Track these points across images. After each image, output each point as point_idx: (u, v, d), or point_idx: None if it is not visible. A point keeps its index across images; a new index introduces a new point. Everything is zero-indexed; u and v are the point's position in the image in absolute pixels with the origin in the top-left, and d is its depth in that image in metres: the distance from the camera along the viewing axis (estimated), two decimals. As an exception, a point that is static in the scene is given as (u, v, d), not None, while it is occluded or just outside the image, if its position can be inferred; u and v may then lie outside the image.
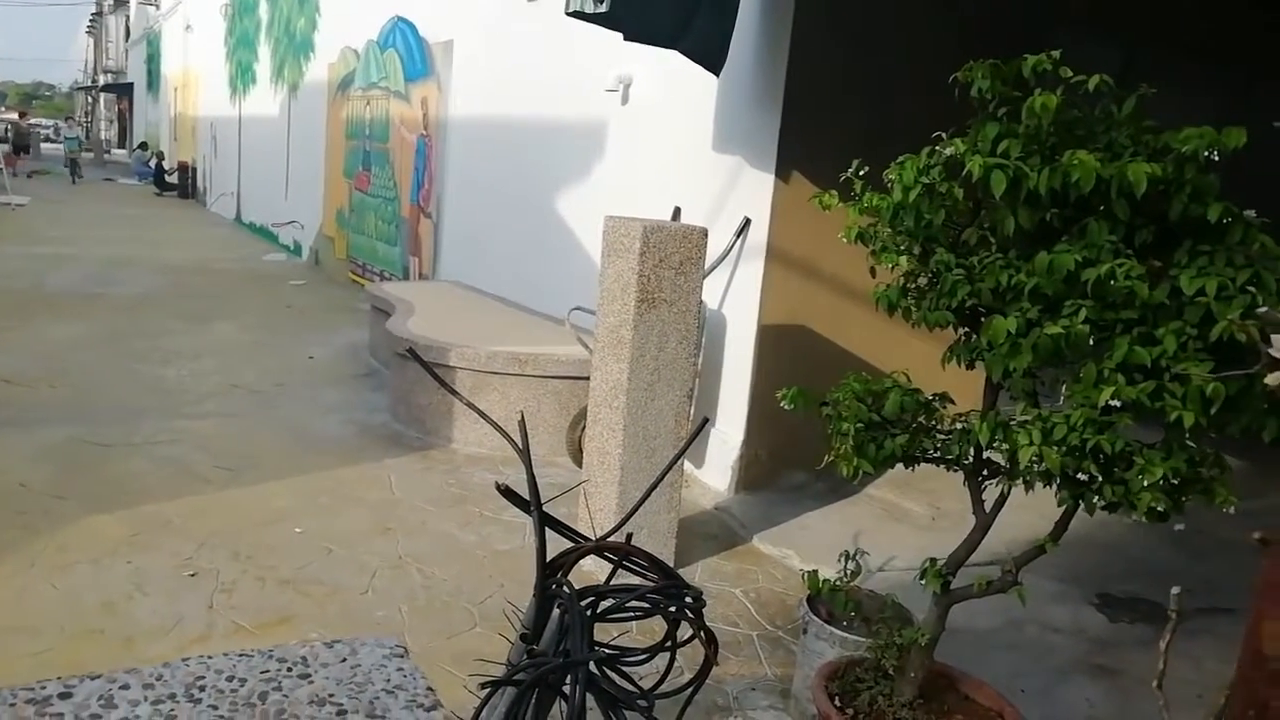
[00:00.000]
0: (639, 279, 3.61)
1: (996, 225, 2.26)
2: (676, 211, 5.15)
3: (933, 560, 2.49)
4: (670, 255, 3.65)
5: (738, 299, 4.86)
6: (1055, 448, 2.04)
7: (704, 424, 2.51)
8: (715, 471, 4.92)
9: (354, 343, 7.76)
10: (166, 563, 3.64)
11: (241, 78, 16.27)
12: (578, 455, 4.92)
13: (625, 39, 4.27)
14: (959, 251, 2.37)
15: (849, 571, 2.66)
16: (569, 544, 2.33)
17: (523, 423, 2.31)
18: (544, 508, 2.13)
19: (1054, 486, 2.17)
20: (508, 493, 2.34)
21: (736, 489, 4.80)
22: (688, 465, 5.08)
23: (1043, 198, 2.16)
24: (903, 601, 2.86)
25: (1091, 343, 2.08)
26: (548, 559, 2.29)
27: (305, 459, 4.93)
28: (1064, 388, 2.15)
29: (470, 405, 2.36)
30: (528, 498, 2.21)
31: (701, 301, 4.75)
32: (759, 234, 4.72)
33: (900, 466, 2.50)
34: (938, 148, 2.27)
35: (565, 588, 2.17)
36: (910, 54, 4.59)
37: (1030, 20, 5.03)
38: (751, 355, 4.75)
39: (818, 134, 4.49)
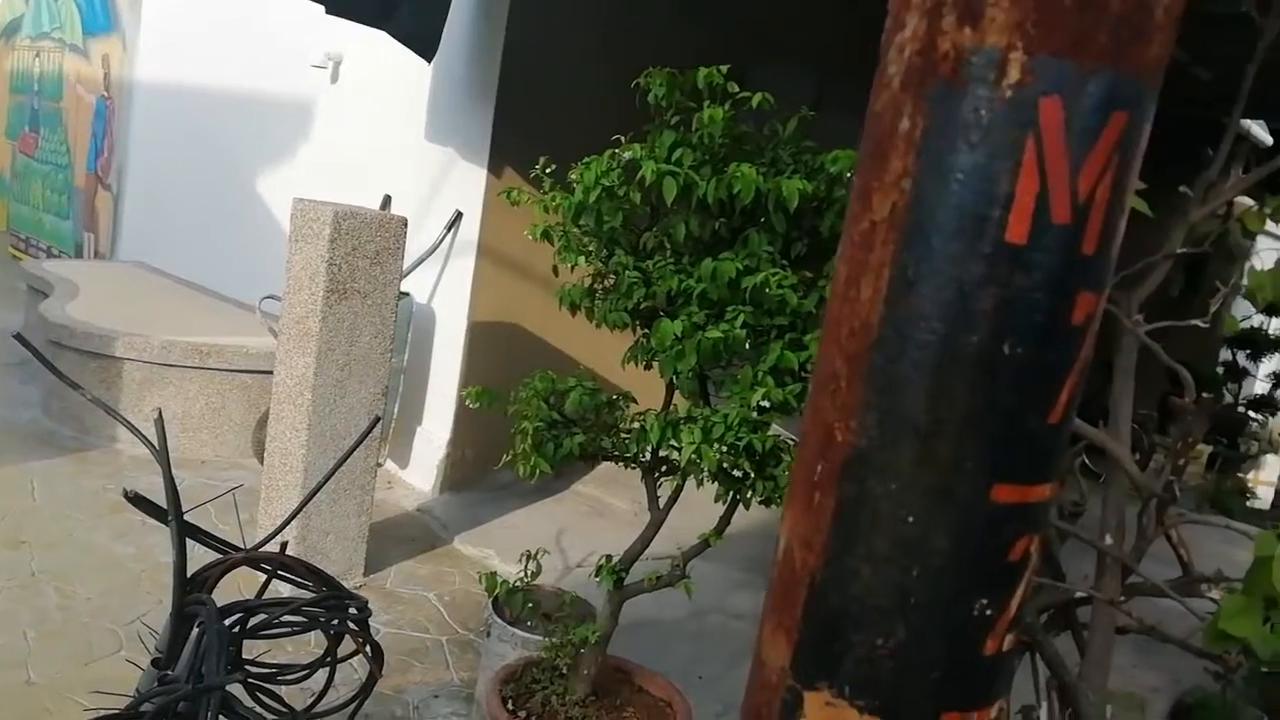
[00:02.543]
0: (329, 267, 3.38)
1: (671, 231, 2.33)
2: (386, 200, 4.92)
3: (608, 557, 2.52)
4: (365, 244, 3.46)
5: (448, 294, 4.73)
6: (713, 446, 2.13)
7: (374, 424, 2.37)
8: (420, 472, 4.75)
9: (3, 327, 6.69)
10: None
11: (-128, 6, 13.57)
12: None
13: (327, 13, 4.00)
14: (638, 255, 2.42)
15: (529, 572, 2.64)
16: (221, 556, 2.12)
17: (160, 420, 2.07)
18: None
19: (714, 482, 2.27)
20: (138, 500, 2.08)
21: (441, 489, 4.67)
22: (391, 466, 4.87)
23: (711, 206, 2.25)
24: (595, 597, 2.90)
25: (749, 346, 2.20)
26: (192, 573, 2.07)
27: (-80, 463, 4.15)
28: (724, 388, 2.26)
29: (96, 400, 2.07)
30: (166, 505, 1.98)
31: (406, 295, 4.58)
32: (471, 228, 4.61)
33: (611, 464, 2.53)
34: (617, 151, 2.30)
35: (205, 604, 1.97)
36: (631, 59, 4.69)
37: (742, 45, 5.33)
38: (461, 352, 4.64)
39: (534, 129, 4.47)
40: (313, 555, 3.53)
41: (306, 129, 5.59)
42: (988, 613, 0.57)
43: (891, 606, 0.57)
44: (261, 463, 4.56)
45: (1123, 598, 1.59)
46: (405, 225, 3.58)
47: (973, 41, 0.52)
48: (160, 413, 2.09)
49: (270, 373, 4.75)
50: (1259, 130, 8.10)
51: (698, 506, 2.62)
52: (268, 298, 4.85)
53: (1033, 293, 0.52)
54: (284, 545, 2.19)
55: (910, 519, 0.56)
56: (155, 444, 2.02)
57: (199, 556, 2.04)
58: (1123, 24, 0.51)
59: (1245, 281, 2.00)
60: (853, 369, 0.57)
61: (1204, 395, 1.70)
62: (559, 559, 4.01)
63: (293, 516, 2.31)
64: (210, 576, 2.09)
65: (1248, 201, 2.45)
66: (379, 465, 4.43)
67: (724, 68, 2.24)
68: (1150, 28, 0.52)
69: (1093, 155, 0.51)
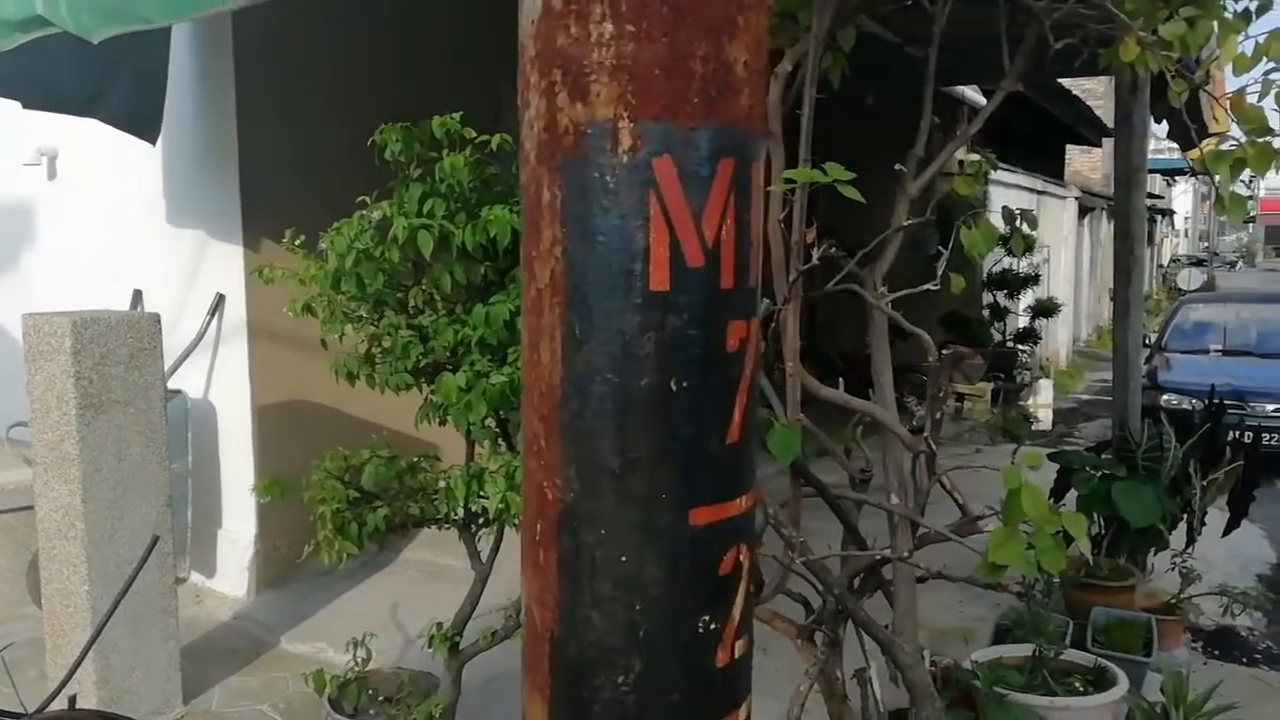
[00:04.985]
0: (77, 382, 3.09)
1: (438, 283, 2.30)
2: (137, 295, 4.56)
3: (439, 625, 2.45)
4: (115, 350, 3.18)
5: (225, 383, 4.43)
6: (519, 490, 2.11)
7: (153, 544, 2.19)
8: (230, 577, 4.42)
9: None
10: None
11: None
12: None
13: (25, 107, 3.67)
14: (410, 312, 2.37)
15: (359, 660, 2.51)
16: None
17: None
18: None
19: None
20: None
21: (258, 590, 4.36)
22: (197, 578, 4.50)
23: (473, 252, 2.24)
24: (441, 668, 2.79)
25: (536, 384, 2.20)
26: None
27: None
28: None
29: None
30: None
31: (177, 393, 4.26)
32: (238, 309, 4.35)
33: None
34: (364, 212, 2.24)
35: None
36: (383, 111, 4.54)
37: (496, 82, 5.32)
38: (251, 442, 4.35)
39: (289, 196, 4.25)
40: (120, 697, 3.20)
41: (29, 233, 5.09)
42: (712, 626, 0.61)
43: (624, 644, 0.59)
44: (42, 608, 4.08)
45: (908, 552, 1.71)
46: (158, 322, 3.33)
47: (585, 115, 0.56)
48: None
49: (33, 508, 4.27)
50: (973, 94, 8.99)
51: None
52: (16, 425, 4.35)
53: (686, 331, 0.55)
54: (73, 699, 1.98)
55: (624, 558, 0.59)
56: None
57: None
58: (708, 84, 0.56)
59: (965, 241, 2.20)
60: (548, 428, 0.60)
61: (944, 350, 1.87)
62: (398, 635, 3.84)
63: (74, 669, 2.09)
64: (-17, 758, 1.86)
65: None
66: (180, 581, 4.09)
67: (457, 115, 2.23)
68: (735, 83, 0.57)
69: (711, 202, 0.56)
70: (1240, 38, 2.19)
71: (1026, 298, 10.30)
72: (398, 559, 4.79)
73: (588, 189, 0.57)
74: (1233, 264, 41.78)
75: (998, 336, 9.66)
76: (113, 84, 3.64)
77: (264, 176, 4.29)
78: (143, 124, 3.76)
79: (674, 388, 0.56)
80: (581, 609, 0.60)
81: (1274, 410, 7.31)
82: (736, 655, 0.63)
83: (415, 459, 2.54)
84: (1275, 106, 2.17)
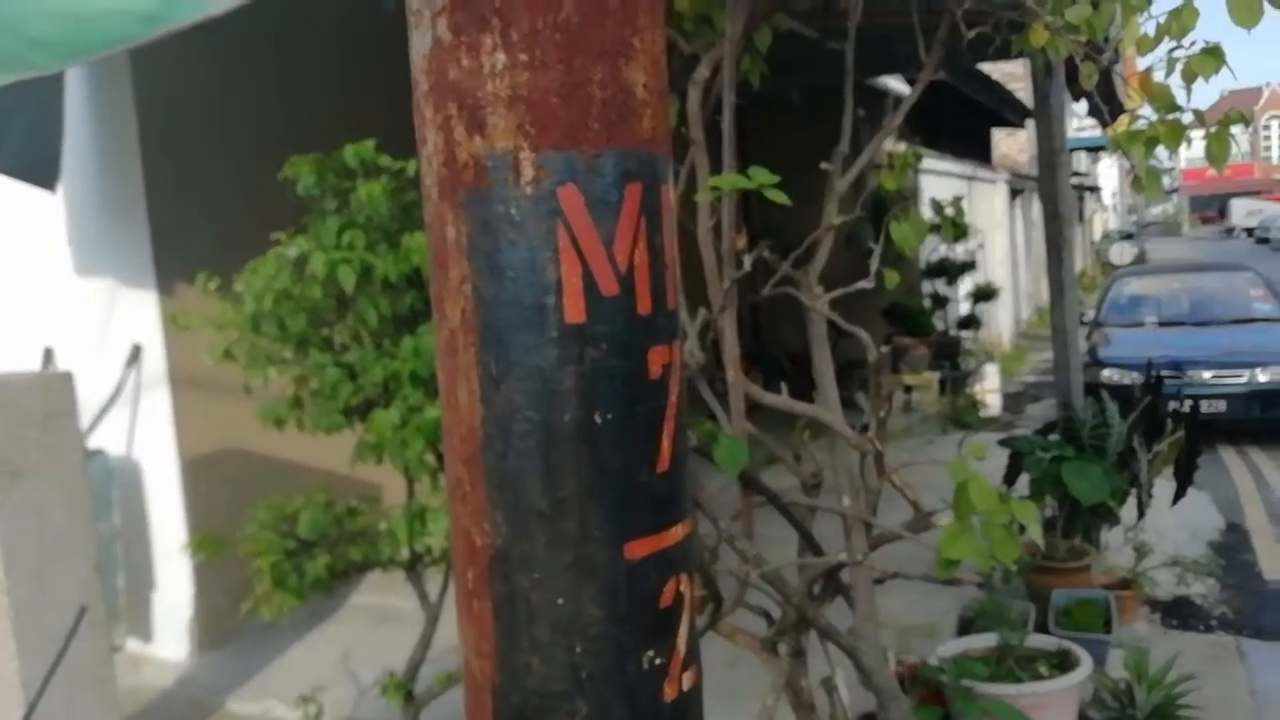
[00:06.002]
0: (-13, 451, 2.90)
1: (364, 317, 2.21)
2: (48, 354, 4.35)
3: (391, 673, 2.34)
4: (28, 413, 3.00)
5: (148, 438, 4.24)
6: (464, 526, 2.03)
7: (80, 617, 2.06)
8: (170, 640, 4.22)
9: None
10: None
11: None
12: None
13: (-89, 164, 3.47)
14: (335, 350, 2.27)
15: (311, 715, 2.39)
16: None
17: None
18: None
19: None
20: None
21: (200, 651, 4.17)
22: (135, 645, 4.29)
23: (398, 283, 2.16)
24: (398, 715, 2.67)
25: (473, 414, 2.12)
26: None
27: None
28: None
29: None
30: None
31: (98, 452, 4.07)
32: (157, 360, 4.17)
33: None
34: (280, 249, 2.15)
35: None
36: (300, 141, 4.40)
37: (401, 95, 5.21)
38: (180, 497, 4.17)
39: (205, 237, 4.11)
40: (56, 780, 3.01)
41: (-71, 297, 4.82)
42: (658, 661, 0.59)
43: (568, 688, 0.58)
44: (-33, 693, 3.84)
45: (862, 555, 1.67)
46: (72, 380, 3.16)
47: (484, 148, 0.56)
48: None
49: (-49, 586, 4.02)
50: (898, 84, 9.00)
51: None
52: (-74, 501, 4.11)
53: (606, 362, 0.53)
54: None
55: (560, 600, 0.57)
56: None
57: None
58: (608, 109, 0.55)
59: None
60: (472, 472, 0.57)
61: (888, 343, 1.84)
62: (350, 685, 3.69)
63: (-6, 760, 1.94)
64: None
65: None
66: (116, 649, 3.89)
67: (371, 142, 2.16)
68: (636, 106, 0.57)
69: (621, 228, 0.55)
70: (1143, 18, 2.22)
71: (965, 284, 10.41)
72: (345, 605, 4.63)
73: (493, 223, 0.56)
74: (1230, 230, 41.17)
75: (941, 325, 9.74)
76: (4, 134, 3.46)
77: (176, 218, 4.14)
78: (40, 172, 3.58)
79: (598, 420, 0.54)
80: (521, 656, 0.59)
81: (1211, 377, 7.44)
82: (685, 688, 0.62)
83: (354, 502, 2.44)
84: (1182, 83, 2.20)
